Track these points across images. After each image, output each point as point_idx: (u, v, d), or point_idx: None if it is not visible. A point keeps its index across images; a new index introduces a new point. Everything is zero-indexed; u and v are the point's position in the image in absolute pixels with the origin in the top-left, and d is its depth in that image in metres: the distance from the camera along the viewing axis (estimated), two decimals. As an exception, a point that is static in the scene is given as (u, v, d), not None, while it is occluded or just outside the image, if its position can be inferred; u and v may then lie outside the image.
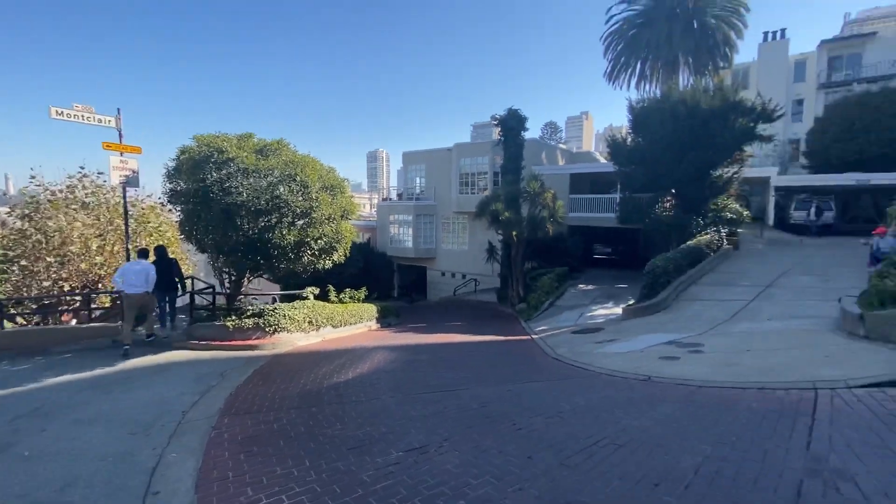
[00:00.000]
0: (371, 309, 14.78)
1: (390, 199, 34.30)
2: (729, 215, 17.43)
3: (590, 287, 17.97)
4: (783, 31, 31.07)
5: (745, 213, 18.06)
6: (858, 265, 11.86)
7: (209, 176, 9.74)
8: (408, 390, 5.99)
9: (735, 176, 17.39)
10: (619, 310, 13.57)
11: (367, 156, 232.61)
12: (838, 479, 2.85)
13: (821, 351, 5.58)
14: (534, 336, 11.59)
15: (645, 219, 18.64)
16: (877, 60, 27.85)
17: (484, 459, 3.62)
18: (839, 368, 4.79)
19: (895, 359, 4.68)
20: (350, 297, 14.61)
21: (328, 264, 11.51)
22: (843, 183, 20.49)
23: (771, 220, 22.16)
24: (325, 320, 11.14)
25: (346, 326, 12.30)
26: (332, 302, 13.40)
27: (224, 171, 9.87)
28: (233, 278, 11.96)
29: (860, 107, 23.92)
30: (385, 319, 15.58)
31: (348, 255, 12.52)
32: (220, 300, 12.11)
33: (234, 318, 9.51)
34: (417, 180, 29.36)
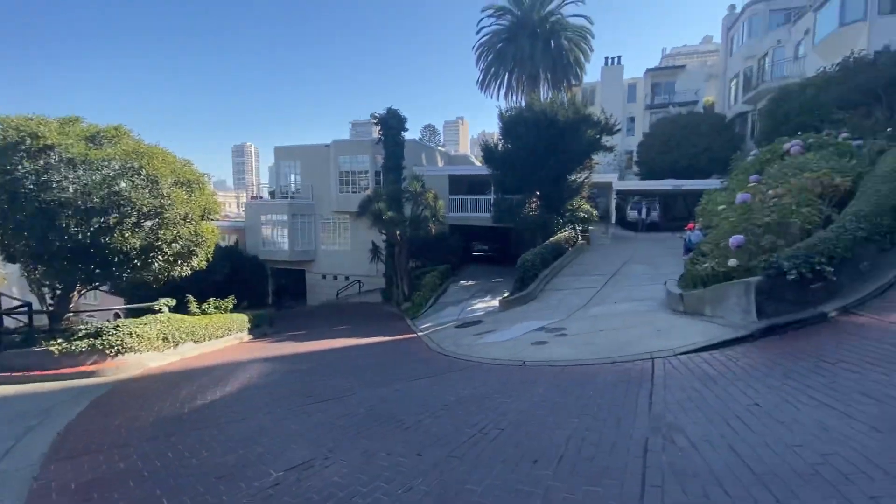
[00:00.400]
0: (241, 319, 13.42)
1: (261, 197, 31.62)
2: (582, 214, 19.93)
3: (470, 283, 18.90)
4: (619, 58, 36.68)
5: (595, 212, 20.83)
6: (678, 255, 14.54)
7: (20, 167, 7.77)
8: (288, 404, 5.55)
9: (586, 180, 19.96)
10: (496, 302, 14.52)
11: (233, 150, 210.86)
12: (673, 433, 3.42)
13: (655, 326, 6.70)
14: (420, 333, 11.75)
15: (515, 218, 20.25)
16: (685, 88, 34.64)
17: (373, 464, 3.52)
18: (668, 340, 5.80)
19: (707, 329, 5.85)
20: (215, 308, 13.07)
21: (186, 271, 10.10)
22: (664, 188, 24.95)
23: (613, 218, 25.96)
24: (184, 336, 9.75)
25: (211, 341, 10.95)
26: (193, 314, 11.81)
27: (42, 162, 7.97)
28: (58, 292, 9.74)
29: (674, 126, 29.37)
30: (258, 329, 14.32)
31: (211, 259, 11.15)
32: (42, 320, 9.79)
33: (59, 341, 7.75)
34: (292, 177, 27.55)
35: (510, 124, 19.20)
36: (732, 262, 6.40)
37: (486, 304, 14.80)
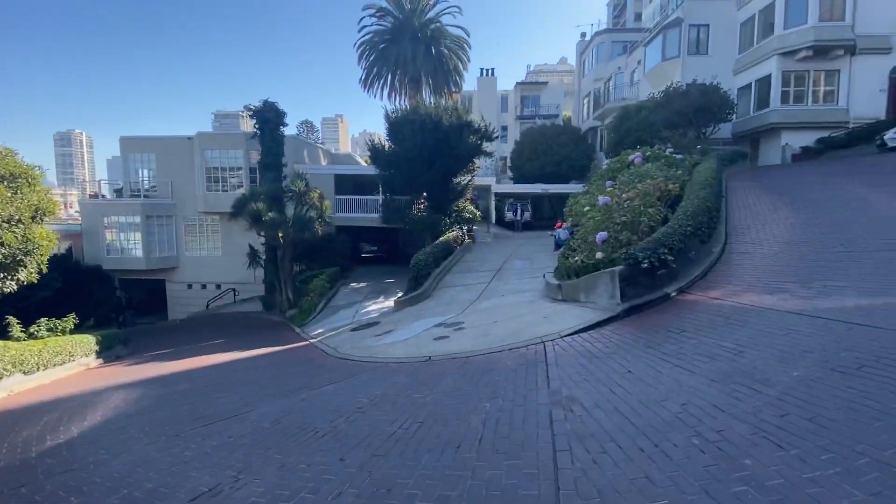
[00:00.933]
0: (86, 341, 11.25)
1: (103, 195, 26.73)
2: (467, 215, 21.07)
3: (361, 285, 18.59)
4: (493, 70, 39.56)
5: (478, 213, 22.19)
6: (550, 250, 16.29)
7: None
8: (173, 429, 4.90)
9: (469, 183, 21.15)
10: (390, 303, 14.56)
11: (56, 139, 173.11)
12: (571, 403, 3.93)
13: (541, 314, 7.50)
14: (313, 340, 11.24)
15: (405, 218, 20.52)
16: (548, 103, 38.82)
17: (294, 477, 3.36)
18: (554, 325, 6.56)
19: (583, 313, 6.75)
20: (49, 330, 10.75)
21: (11, 286, 8.12)
22: (535, 191, 27.68)
23: (493, 219, 27.94)
24: (9, 367, 7.83)
25: (48, 370, 8.98)
26: (18, 339, 9.53)
27: None
28: None
29: (540, 136, 32.66)
30: (110, 352, 12.20)
31: (46, 271, 9.13)
32: None
33: None
34: (144, 173, 23.80)
35: (397, 125, 19.38)
36: (599, 255, 7.49)
37: (381, 305, 14.75)
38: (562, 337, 5.98)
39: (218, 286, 23.34)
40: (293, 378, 7.26)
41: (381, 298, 15.80)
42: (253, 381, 7.11)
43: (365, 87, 30.07)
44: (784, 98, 20.67)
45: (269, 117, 19.30)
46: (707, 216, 7.60)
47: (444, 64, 28.69)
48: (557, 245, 15.94)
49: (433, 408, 4.41)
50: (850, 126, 20.03)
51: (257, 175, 21.46)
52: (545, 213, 36.69)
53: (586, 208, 9.77)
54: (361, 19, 28.51)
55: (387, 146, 20.95)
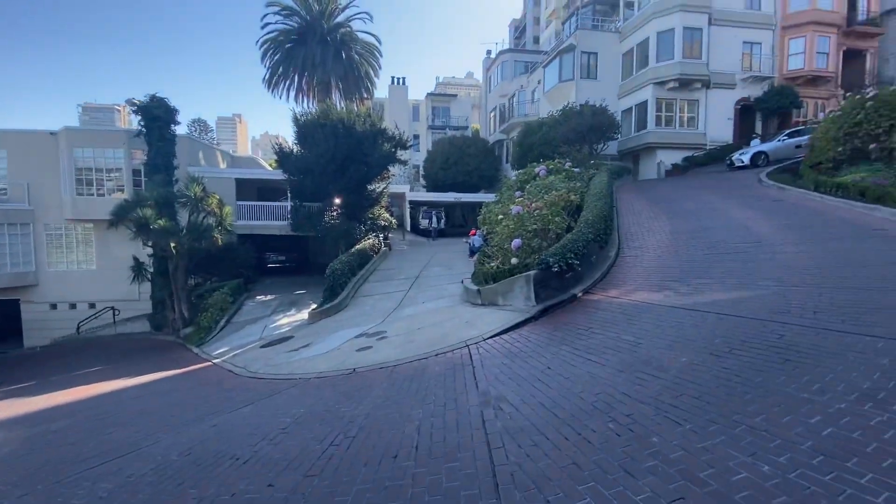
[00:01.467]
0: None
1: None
2: (383, 223, 20.92)
3: (269, 297, 17.42)
4: (404, 79, 39.94)
5: (393, 220, 22.13)
6: (465, 257, 16.84)
7: None
8: (53, 476, 4.16)
9: (385, 190, 21.05)
10: (304, 315, 13.86)
11: None
12: (500, 402, 4.14)
13: (463, 319, 7.74)
14: (217, 360, 10.27)
15: (317, 226, 19.74)
16: (458, 114, 40.23)
17: (216, 511, 3.07)
18: (476, 329, 6.82)
19: (502, 316, 7.12)
20: None
21: None
22: (448, 199, 28.43)
23: (408, 226, 28.08)
24: None
25: None
26: None
27: None
28: None
29: (451, 146, 33.69)
30: (-54, 390, 9.92)
31: None
32: None
33: None
34: (-10, 173, 19.83)
35: (307, 129, 18.66)
36: (514, 261, 7.97)
37: (293, 318, 13.98)
38: (484, 339, 6.25)
39: (92, 305, 20.18)
40: (200, 403, 6.57)
41: (293, 311, 14.99)
42: (151, 412, 6.29)
43: (269, 87, 28.46)
44: (658, 121, 23.88)
45: (157, 114, 17.31)
46: (604, 224, 8.51)
47: (355, 69, 28.29)
48: (472, 252, 16.55)
49: (364, 420, 4.33)
50: (708, 147, 23.80)
51: (142, 178, 19.08)
52: (457, 221, 37.81)
53: (500, 217, 10.32)
54: (265, 16, 27.02)
55: (295, 150, 20.05)
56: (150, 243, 16.52)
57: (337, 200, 20.39)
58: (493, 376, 4.86)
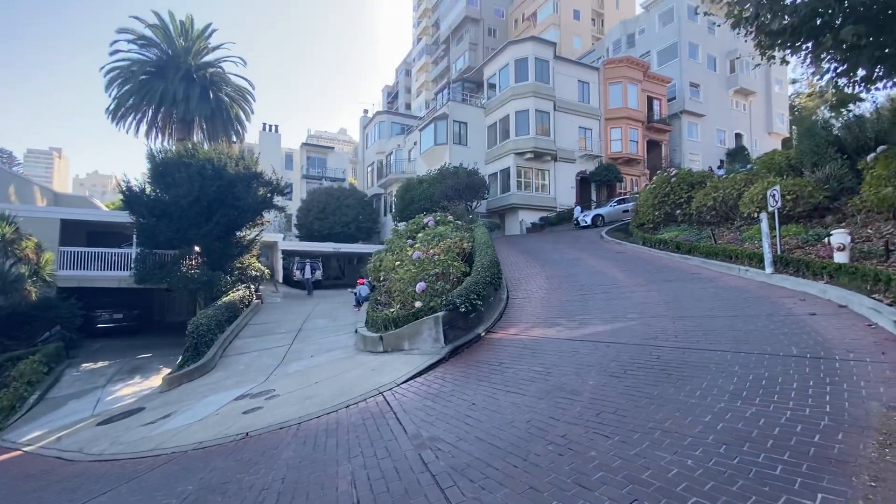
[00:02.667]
0: None
1: None
2: (254, 273, 19.08)
3: (101, 364, 14.08)
4: (277, 126, 38.64)
5: (266, 270, 20.37)
6: (349, 307, 16.21)
7: None
8: None
9: (258, 238, 19.42)
10: (155, 381, 11.58)
11: None
12: (435, 442, 4.00)
13: (367, 367, 7.34)
14: (28, 448, 7.77)
15: (171, 277, 17.05)
16: (335, 167, 40.04)
17: None
18: (385, 375, 6.53)
19: (411, 360, 6.96)
20: None
21: None
22: (326, 249, 27.41)
23: (280, 277, 26.05)
24: None
25: None
26: None
27: None
28: None
29: (328, 196, 33.16)
30: None
31: None
32: None
33: None
34: None
35: (168, 168, 16.55)
36: (418, 304, 8.01)
37: (138, 387, 11.50)
38: (398, 385, 6.02)
39: None
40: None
41: (138, 378, 12.38)
42: None
43: (115, 119, 24.73)
44: (519, 186, 27.25)
45: (-52, 133, 13.50)
46: (496, 269, 9.21)
47: (224, 111, 26.50)
48: (358, 301, 16.05)
49: (283, 485, 3.74)
50: (558, 210, 27.83)
51: None
52: (333, 273, 36.50)
53: (397, 263, 10.36)
54: (115, 42, 23.93)
55: (148, 190, 17.49)
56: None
57: (197, 248, 18.08)
58: (419, 419, 4.69)
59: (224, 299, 14.83)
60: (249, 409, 6.67)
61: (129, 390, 11.31)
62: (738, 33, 8.08)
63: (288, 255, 27.67)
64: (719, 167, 27.56)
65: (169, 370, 12.35)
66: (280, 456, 4.47)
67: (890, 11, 5.56)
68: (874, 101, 15.76)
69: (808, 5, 5.87)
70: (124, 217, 18.35)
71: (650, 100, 31.26)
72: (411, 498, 3.14)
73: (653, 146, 31.80)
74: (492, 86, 29.71)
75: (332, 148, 42.34)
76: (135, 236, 17.54)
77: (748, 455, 2.97)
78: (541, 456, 3.43)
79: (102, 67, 23.99)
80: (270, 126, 37.99)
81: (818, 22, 6.24)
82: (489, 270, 8.67)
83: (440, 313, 7.19)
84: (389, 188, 34.55)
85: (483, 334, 7.43)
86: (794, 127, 36.97)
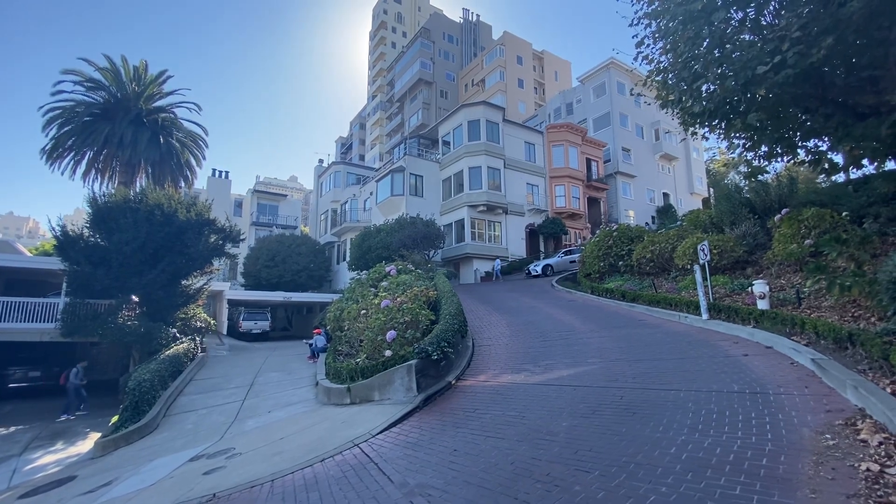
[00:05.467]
0: None
1: None
2: (199, 324, 18.00)
3: (15, 429, 12.41)
4: (227, 172, 37.93)
5: (213, 321, 19.27)
6: (303, 359, 15.62)
7: None
8: None
9: (206, 286, 18.52)
10: (82, 448, 10.44)
11: None
12: (425, 489, 4.08)
13: (336, 420, 7.17)
14: (-76, 533, 6.66)
15: (102, 328, 15.70)
16: (287, 214, 39.47)
17: None
18: (358, 427, 6.45)
19: (383, 410, 6.92)
20: None
21: None
22: (276, 299, 26.44)
23: (225, 328, 24.60)
24: None
25: None
26: None
27: None
28: None
29: (279, 244, 32.41)
30: None
31: None
32: None
33: None
34: None
35: (111, 213, 15.74)
36: (388, 353, 8.07)
37: (64, 453, 10.27)
38: (374, 436, 5.98)
39: None
40: None
41: (61, 444, 11.08)
42: None
43: (48, 160, 23.28)
44: (473, 236, 28.30)
45: None
46: (462, 316, 9.52)
47: (175, 156, 25.82)
48: (314, 353, 15.50)
49: (270, 542, 3.62)
50: (510, 259, 29.01)
51: None
52: (280, 324, 34.97)
53: (362, 311, 10.38)
54: (60, 83, 23.05)
55: (85, 234, 16.43)
56: None
57: (134, 297, 16.91)
58: (402, 468, 4.73)
59: (167, 353, 13.84)
60: (210, 469, 6.26)
61: (51, 458, 10.07)
62: (666, 112, 9.52)
63: (234, 304, 26.39)
64: (652, 223, 30.42)
65: (99, 434, 11.17)
66: (259, 515, 4.30)
67: (783, 105, 6.97)
68: (775, 171, 18.57)
69: (721, 95, 7.22)
70: (53, 263, 16.97)
71: (589, 161, 34.36)
72: (412, 543, 3.20)
73: (593, 202, 34.56)
74: (446, 143, 31.41)
75: (286, 196, 41.95)
76: (65, 284, 16.16)
77: (711, 479, 3.38)
78: (530, 493, 3.64)
79: (41, 107, 22.84)
80: (220, 172, 37.21)
81: (728, 108, 7.62)
82: (456, 318, 8.96)
83: (412, 361, 7.30)
84: (343, 236, 34.49)
85: (454, 382, 7.58)
86: (710, 189, 41.86)
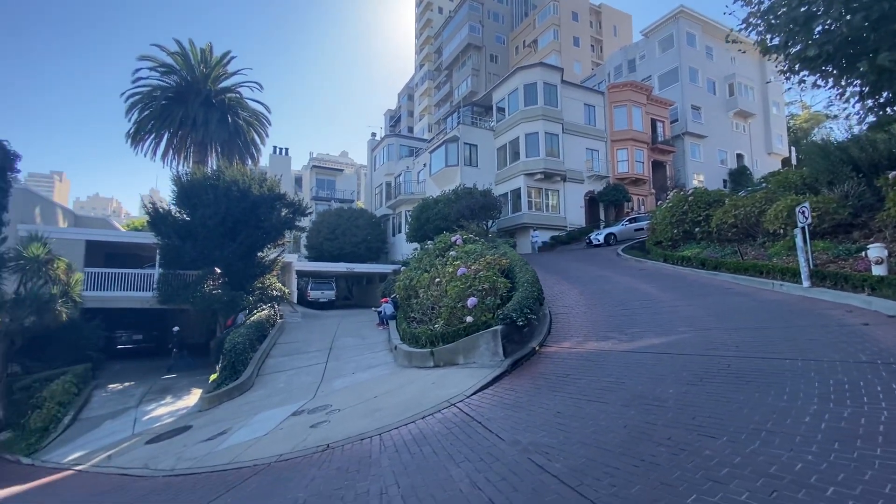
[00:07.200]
0: None
1: None
2: (275, 293, 19.19)
3: (128, 385, 14.05)
4: (287, 149, 39.29)
5: (287, 290, 20.48)
6: (372, 326, 16.27)
7: None
8: None
9: (279, 258, 19.62)
10: (188, 402, 11.63)
11: None
12: (538, 447, 4.15)
13: (425, 381, 7.46)
14: (80, 467, 7.78)
15: (192, 297, 17.16)
16: (344, 188, 40.57)
17: None
18: (450, 388, 6.67)
19: (472, 373, 7.10)
20: None
21: None
22: (339, 270, 27.58)
23: (295, 297, 26.11)
24: None
25: None
26: None
27: None
28: None
29: (338, 217, 33.53)
30: None
31: None
32: None
33: None
34: None
35: (194, 190, 16.86)
36: (469, 319, 8.20)
37: (173, 406, 11.51)
38: (468, 397, 6.15)
39: None
40: None
41: (170, 398, 12.39)
42: None
43: (132, 142, 25.21)
44: (529, 206, 27.72)
45: (-14, 157, 13.78)
46: (539, 285, 9.43)
47: (241, 135, 27.07)
48: (382, 320, 16.10)
49: (400, 489, 3.86)
50: (568, 229, 28.25)
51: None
52: (341, 293, 36.53)
53: (436, 279, 10.57)
54: (138, 70, 24.63)
55: (173, 212, 17.79)
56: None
57: (218, 269, 18.24)
58: (508, 427, 4.83)
59: (253, 318, 14.93)
60: (315, 423, 6.76)
61: (164, 410, 11.31)
62: (769, 59, 8.59)
63: (301, 275, 27.83)
64: (724, 186, 28.24)
65: (200, 390, 12.38)
66: (379, 464, 4.59)
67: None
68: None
69: (845, 34, 6.35)
70: (145, 238, 18.59)
71: (654, 122, 32.19)
72: (543, 496, 3.29)
73: (658, 166, 32.56)
74: (500, 109, 30.53)
75: (342, 170, 43.04)
76: (158, 257, 17.70)
77: (865, 449, 3.17)
78: (656, 456, 3.60)
79: (123, 93, 24.61)
80: (281, 149, 38.71)
81: (852, 50, 6.72)
82: (534, 286, 8.90)
83: (498, 327, 7.37)
84: (398, 209, 34.99)
85: (537, 348, 7.60)
86: (792, 147, 38.06)
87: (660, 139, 32.08)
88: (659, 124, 32.56)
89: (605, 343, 7.36)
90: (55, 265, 13.38)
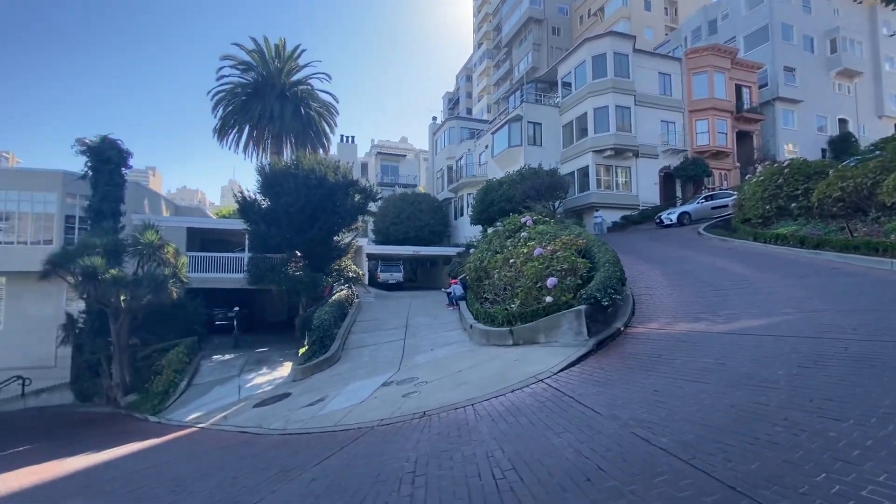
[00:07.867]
0: None
1: None
2: (350, 274, 20.28)
3: (228, 356, 15.69)
4: (353, 137, 40.78)
5: (361, 272, 21.55)
6: (442, 306, 16.72)
7: None
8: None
9: (353, 242, 20.65)
10: (282, 372, 12.76)
11: None
12: (640, 423, 4.17)
13: (508, 358, 7.66)
14: (202, 425, 8.93)
15: (278, 278, 18.60)
16: (406, 173, 41.45)
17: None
18: (534, 365, 6.80)
19: (554, 351, 7.19)
20: None
21: None
22: (406, 252, 28.46)
23: (366, 279, 27.41)
24: None
25: None
26: None
27: None
28: None
29: (402, 201, 34.32)
30: None
31: None
32: None
33: None
34: None
35: (276, 179, 18.10)
36: (549, 299, 8.23)
37: (270, 376, 12.72)
38: (555, 374, 6.25)
39: (-13, 376, 16.56)
40: (258, 465, 5.62)
41: (265, 369, 13.67)
42: (198, 480, 5.24)
43: (219, 137, 27.45)
44: (598, 184, 26.66)
45: (109, 156, 15.79)
46: (620, 265, 9.20)
47: (313, 125, 28.48)
48: (451, 301, 16.52)
49: (504, 454, 4.08)
50: (641, 208, 26.87)
51: (76, 225, 16.91)
52: (406, 275, 37.65)
53: (510, 260, 10.65)
54: (221, 69, 26.64)
55: (258, 200, 19.25)
56: (85, 297, 14.36)
57: (299, 252, 19.56)
58: (603, 403, 4.89)
59: (333, 298, 15.94)
60: (406, 393, 7.22)
61: (262, 379, 12.53)
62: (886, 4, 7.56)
63: (371, 257, 29.08)
64: (823, 157, 25.29)
65: (290, 362, 13.53)
66: (478, 431, 4.86)
67: None
68: None
69: None
70: (235, 224, 20.35)
71: (739, 88, 29.37)
72: (655, 466, 3.34)
73: (743, 137, 29.80)
74: (566, 84, 29.38)
75: (405, 156, 43.96)
76: (247, 241, 19.34)
77: None
78: (772, 436, 3.50)
79: (209, 91, 26.80)
80: (347, 137, 40.29)
81: None
82: (616, 266, 8.71)
83: (582, 307, 7.35)
84: (460, 192, 35.13)
85: (622, 329, 7.49)
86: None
87: (745, 107, 29.23)
88: (745, 90, 29.65)
89: (698, 324, 7.08)
90: (165, 250, 15.11)
